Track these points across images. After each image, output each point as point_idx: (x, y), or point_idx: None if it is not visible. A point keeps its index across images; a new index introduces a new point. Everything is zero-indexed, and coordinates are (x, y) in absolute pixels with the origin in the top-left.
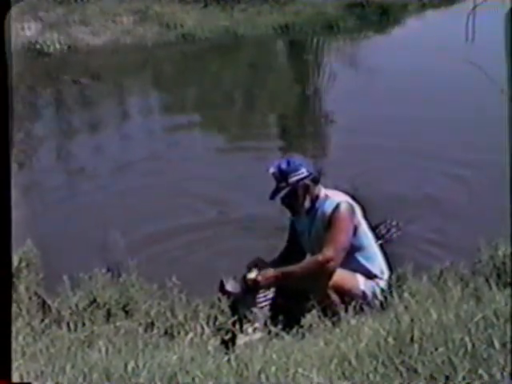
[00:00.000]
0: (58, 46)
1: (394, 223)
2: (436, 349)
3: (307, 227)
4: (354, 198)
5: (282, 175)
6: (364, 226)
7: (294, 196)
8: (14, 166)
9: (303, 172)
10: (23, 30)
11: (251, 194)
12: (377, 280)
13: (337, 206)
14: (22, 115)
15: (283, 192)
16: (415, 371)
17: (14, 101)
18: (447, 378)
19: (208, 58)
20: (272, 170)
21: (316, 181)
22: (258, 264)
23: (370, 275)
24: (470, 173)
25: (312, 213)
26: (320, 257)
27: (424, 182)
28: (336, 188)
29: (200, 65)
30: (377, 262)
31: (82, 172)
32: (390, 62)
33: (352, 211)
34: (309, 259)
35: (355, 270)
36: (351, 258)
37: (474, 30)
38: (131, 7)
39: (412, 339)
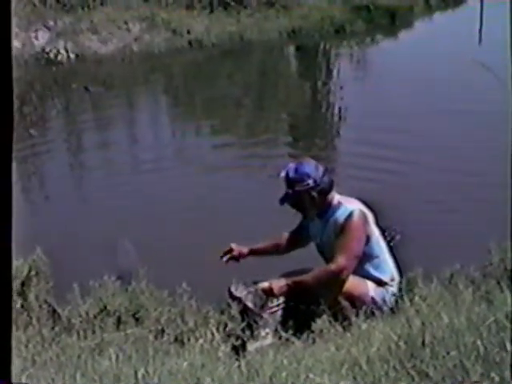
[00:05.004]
0: (66, 54)
1: (398, 229)
2: (448, 353)
3: (319, 231)
4: (367, 204)
5: (289, 182)
6: (376, 234)
7: (301, 203)
8: (24, 175)
9: (309, 183)
10: (32, 40)
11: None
12: (387, 287)
13: (350, 214)
14: (32, 124)
15: (290, 199)
16: (427, 375)
17: (25, 110)
18: (459, 382)
19: (216, 64)
20: (282, 174)
21: (324, 192)
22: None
23: (380, 283)
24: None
25: (325, 218)
26: (333, 266)
27: (436, 185)
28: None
29: (208, 70)
30: (388, 270)
31: (92, 180)
32: (398, 65)
33: (365, 219)
34: (321, 268)
35: (366, 278)
36: (362, 267)
37: (481, 32)
38: (139, 14)
39: (423, 343)
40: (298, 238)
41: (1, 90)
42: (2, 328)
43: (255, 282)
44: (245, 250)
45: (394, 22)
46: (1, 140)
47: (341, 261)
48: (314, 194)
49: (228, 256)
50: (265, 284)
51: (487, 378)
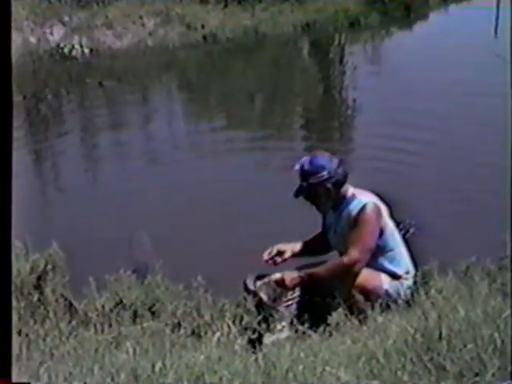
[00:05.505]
0: (81, 49)
1: (413, 222)
2: (465, 345)
3: (333, 224)
4: (380, 197)
5: (303, 175)
6: (391, 227)
7: (316, 196)
8: (39, 170)
9: (323, 175)
10: (47, 35)
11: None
12: (402, 280)
13: (363, 207)
14: (47, 119)
15: (305, 191)
16: (444, 368)
17: (40, 106)
18: (476, 374)
19: (230, 58)
20: (296, 167)
21: (339, 184)
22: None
23: (395, 276)
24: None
25: (339, 210)
26: (345, 259)
27: (451, 176)
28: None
29: (223, 65)
30: (402, 263)
31: (107, 173)
32: (413, 57)
33: (378, 212)
34: (334, 261)
35: (380, 271)
36: (376, 260)
37: (497, 24)
38: (153, 9)
39: (440, 336)
40: (326, 239)
41: (0, 88)
42: (2, 328)
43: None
44: (287, 252)
45: (408, 14)
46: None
47: (353, 254)
48: (329, 185)
49: (271, 256)
50: (277, 275)
51: (504, 371)
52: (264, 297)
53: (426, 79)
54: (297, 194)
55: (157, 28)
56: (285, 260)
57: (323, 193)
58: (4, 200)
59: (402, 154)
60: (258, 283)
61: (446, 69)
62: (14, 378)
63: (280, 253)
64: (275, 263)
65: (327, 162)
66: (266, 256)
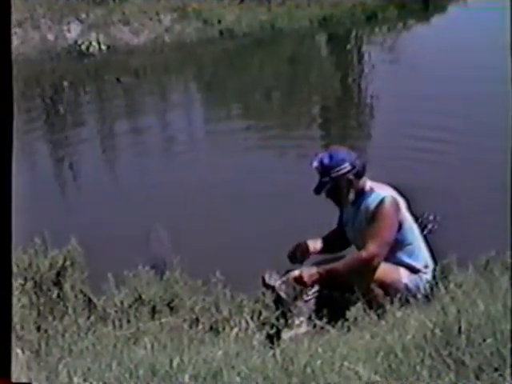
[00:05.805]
0: (98, 46)
1: (431, 217)
2: (484, 340)
3: (351, 218)
4: (398, 190)
5: (324, 170)
6: (409, 221)
7: (338, 190)
8: (56, 165)
9: (346, 167)
10: (65, 32)
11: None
12: (421, 274)
13: (381, 201)
14: (65, 116)
15: (327, 187)
16: (463, 363)
17: (58, 102)
18: (496, 369)
19: (247, 53)
20: (315, 164)
21: (360, 175)
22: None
23: (414, 270)
24: None
25: (357, 204)
26: (364, 253)
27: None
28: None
29: (240, 60)
30: (421, 257)
31: (126, 169)
32: (431, 52)
33: (397, 206)
34: (352, 255)
35: (399, 265)
36: (395, 254)
37: None
38: (170, 5)
39: (459, 331)
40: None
41: (1, 87)
42: (2, 327)
43: (288, 271)
44: (310, 250)
45: (426, 7)
46: (1, 136)
47: (372, 248)
48: (352, 177)
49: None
50: (295, 272)
51: None
52: (283, 295)
53: (445, 67)
54: (318, 191)
55: (173, 24)
56: (307, 257)
57: (345, 185)
58: (4, 199)
59: (422, 141)
60: (277, 282)
61: (464, 56)
62: (34, 375)
63: (303, 249)
64: (298, 260)
65: (346, 154)
66: (290, 253)
